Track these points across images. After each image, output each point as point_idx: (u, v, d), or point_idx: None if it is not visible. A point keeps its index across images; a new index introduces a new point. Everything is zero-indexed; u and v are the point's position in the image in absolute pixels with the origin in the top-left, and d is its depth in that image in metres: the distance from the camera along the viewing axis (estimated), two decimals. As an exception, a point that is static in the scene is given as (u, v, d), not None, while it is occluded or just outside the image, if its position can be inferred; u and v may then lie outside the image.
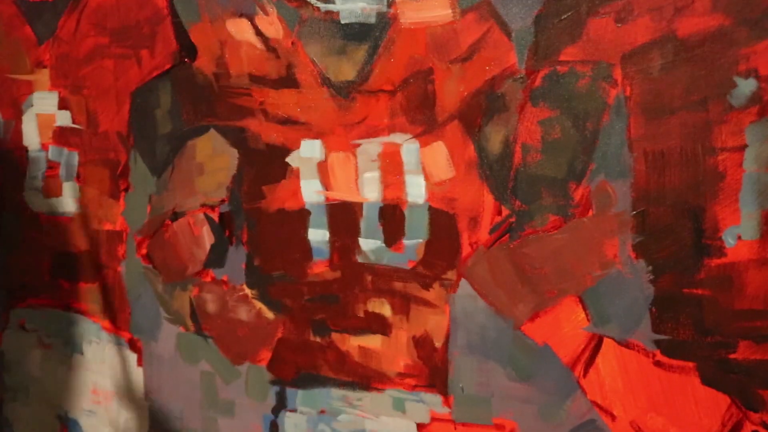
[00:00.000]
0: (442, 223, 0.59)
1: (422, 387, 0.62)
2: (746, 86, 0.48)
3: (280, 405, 0.68)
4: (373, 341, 0.63)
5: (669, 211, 0.51)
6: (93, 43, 0.73)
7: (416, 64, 0.58)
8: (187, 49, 0.68)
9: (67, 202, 0.77)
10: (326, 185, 0.63)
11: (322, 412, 0.66)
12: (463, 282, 0.59)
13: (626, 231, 0.52)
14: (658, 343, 0.52)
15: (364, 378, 0.64)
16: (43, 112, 0.78)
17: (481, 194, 0.57)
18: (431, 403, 0.61)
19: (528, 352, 0.57)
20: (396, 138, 0.60)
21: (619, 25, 0.51)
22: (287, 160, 0.64)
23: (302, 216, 0.64)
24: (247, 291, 0.68)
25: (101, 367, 0.78)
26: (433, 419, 0.62)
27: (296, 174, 0.64)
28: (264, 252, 0.67)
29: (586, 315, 0.55)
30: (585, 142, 0.53)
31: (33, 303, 0.82)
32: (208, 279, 0.70)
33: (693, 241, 0.50)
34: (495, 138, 0.56)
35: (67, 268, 0.79)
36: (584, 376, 0.55)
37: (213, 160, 0.68)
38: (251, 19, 0.64)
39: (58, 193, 0.78)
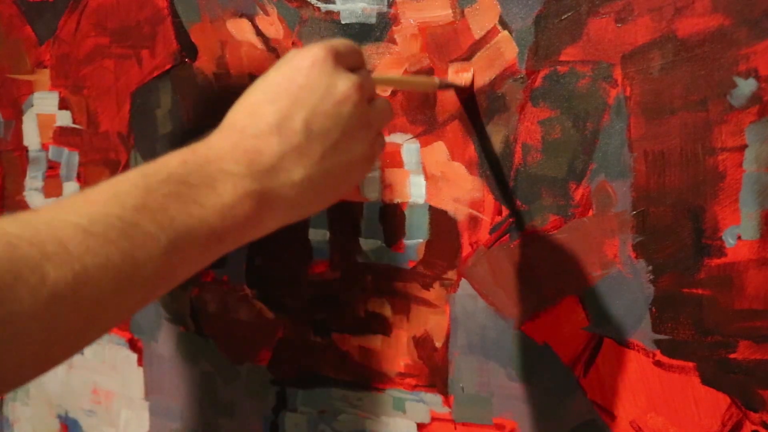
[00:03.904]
0: (443, 223, 0.59)
1: (422, 387, 0.62)
2: (746, 86, 0.48)
3: (280, 405, 0.68)
4: (373, 341, 0.63)
5: (669, 211, 0.51)
6: (93, 43, 0.73)
7: (416, 64, 0.58)
8: (188, 49, 0.68)
9: (68, 202, 0.77)
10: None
11: (322, 412, 0.66)
12: (464, 282, 0.59)
13: (626, 231, 0.52)
14: (658, 343, 0.52)
15: (364, 378, 0.64)
16: (43, 112, 0.78)
17: (481, 194, 0.57)
18: (431, 403, 0.61)
19: (528, 352, 0.57)
20: (396, 138, 0.60)
21: (619, 25, 0.51)
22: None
23: (302, 216, 0.64)
24: (247, 291, 0.68)
25: (101, 367, 0.78)
26: (434, 419, 0.62)
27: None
28: (264, 252, 0.67)
29: (586, 315, 0.55)
30: (585, 142, 0.53)
31: (33, 303, 0.82)
32: (208, 279, 0.70)
33: (693, 241, 0.50)
34: (495, 138, 0.56)
35: (67, 268, 0.79)
36: (584, 376, 0.55)
37: (213, 160, 0.68)
38: (251, 19, 0.64)
39: (59, 193, 0.78)
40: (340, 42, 0.44)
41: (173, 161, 0.39)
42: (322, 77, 0.42)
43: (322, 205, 0.44)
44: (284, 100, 0.41)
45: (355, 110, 0.42)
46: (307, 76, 0.41)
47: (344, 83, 0.42)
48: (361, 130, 0.43)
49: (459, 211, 0.58)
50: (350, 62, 0.44)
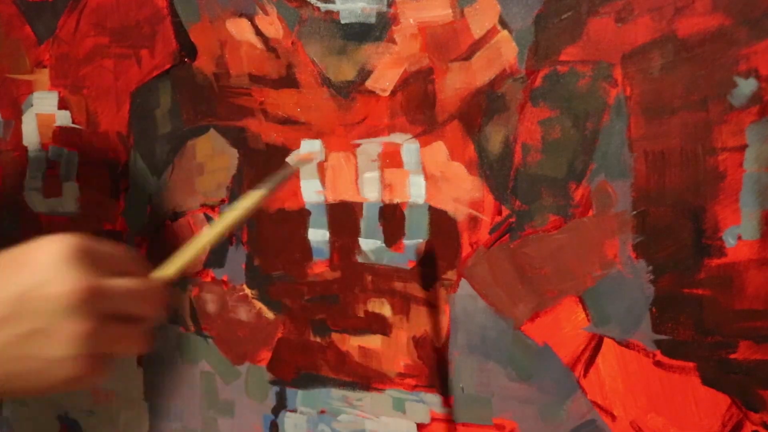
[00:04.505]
0: (443, 223, 0.59)
1: (422, 387, 0.62)
2: (747, 86, 0.48)
3: (280, 405, 0.68)
4: (373, 341, 0.63)
5: (669, 211, 0.51)
6: (93, 43, 0.73)
7: (416, 64, 0.58)
8: (187, 49, 0.68)
9: (67, 202, 0.77)
10: (326, 185, 0.63)
11: (322, 412, 0.66)
12: (463, 282, 0.59)
13: (626, 231, 0.52)
14: (658, 344, 0.52)
15: (364, 378, 0.64)
16: (42, 112, 0.78)
17: (481, 194, 0.57)
18: (431, 403, 0.61)
19: (528, 352, 0.57)
20: (396, 138, 0.60)
21: (620, 25, 0.51)
22: (287, 160, 0.64)
23: (302, 216, 0.64)
24: (247, 291, 0.68)
25: (101, 367, 0.78)
26: (433, 419, 0.61)
27: (296, 174, 0.64)
28: (264, 252, 0.67)
29: (586, 315, 0.55)
30: (585, 142, 0.53)
31: (33, 303, 0.82)
32: (208, 279, 0.70)
33: (693, 241, 0.50)
34: (495, 138, 0.56)
35: (67, 268, 0.79)
36: (584, 376, 0.55)
37: (213, 160, 0.68)
38: (251, 19, 0.64)
39: (58, 193, 0.78)
40: (104, 245, 0.40)
41: None
42: (48, 269, 0.37)
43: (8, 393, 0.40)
44: None
45: (65, 313, 0.37)
46: (32, 264, 0.38)
47: (66, 281, 0.37)
48: (65, 337, 0.38)
49: (459, 211, 0.58)
50: (114, 266, 0.40)
